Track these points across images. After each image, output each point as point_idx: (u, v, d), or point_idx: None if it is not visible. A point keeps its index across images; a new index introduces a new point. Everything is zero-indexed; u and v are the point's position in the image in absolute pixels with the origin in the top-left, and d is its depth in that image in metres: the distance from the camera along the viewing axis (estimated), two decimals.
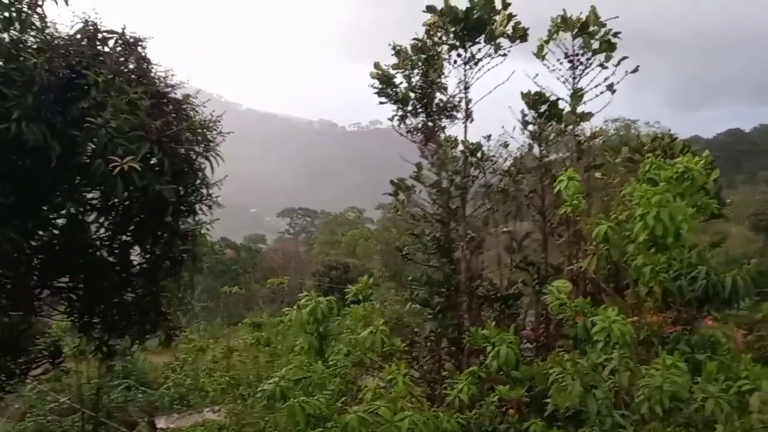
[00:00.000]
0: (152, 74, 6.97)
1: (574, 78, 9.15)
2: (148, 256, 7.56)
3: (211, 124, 7.04)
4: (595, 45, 8.86)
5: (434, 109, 9.69)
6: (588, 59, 8.98)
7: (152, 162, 6.60)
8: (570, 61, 9.08)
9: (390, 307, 12.24)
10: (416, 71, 9.41)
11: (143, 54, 7.02)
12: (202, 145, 6.98)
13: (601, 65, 8.92)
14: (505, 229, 10.54)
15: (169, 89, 7.00)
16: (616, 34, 8.78)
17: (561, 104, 9.29)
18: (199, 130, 6.89)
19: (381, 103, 9.68)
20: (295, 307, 8.72)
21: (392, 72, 9.52)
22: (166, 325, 7.74)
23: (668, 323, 8.60)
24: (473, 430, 6.99)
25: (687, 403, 5.24)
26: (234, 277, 67.54)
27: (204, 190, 7.37)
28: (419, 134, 10.01)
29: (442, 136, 9.91)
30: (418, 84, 9.52)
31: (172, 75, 6.95)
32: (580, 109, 9.11)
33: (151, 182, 6.31)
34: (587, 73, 9.05)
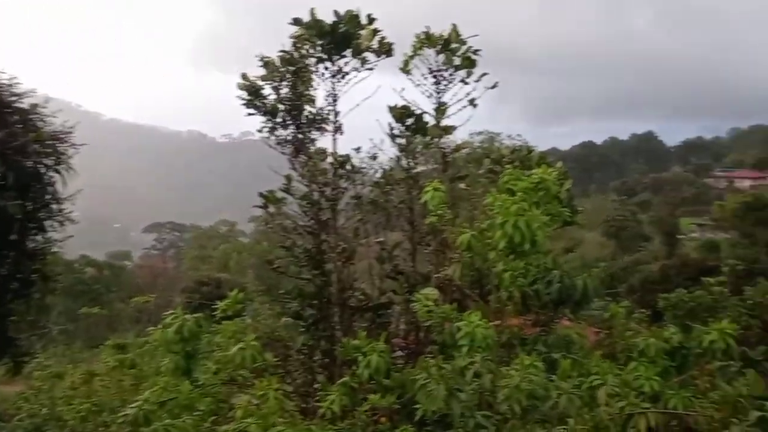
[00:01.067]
0: None
1: (438, 92, 9.50)
2: None
3: (62, 136, 6.59)
4: (457, 61, 9.25)
5: (304, 122, 9.70)
6: (451, 75, 9.35)
7: None
8: (434, 77, 9.41)
9: (264, 321, 12.04)
10: (285, 83, 9.37)
11: None
12: (53, 158, 6.52)
13: (462, 81, 9.32)
14: (377, 240, 10.71)
15: (15, 98, 6.48)
16: (476, 52, 9.22)
17: (426, 117, 9.60)
18: (49, 142, 6.43)
19: (249, 114, 9.55)
20: (160, 326, 8.39)
21: (260, 83, 9.42)
22: (13, 351, 7.13)
23: (528, 325, 9.11)
24: None
25: (544, 400, 5.57)
26: (96, 297, 63.55)
27: (55, 206, 6.87)
28: (289, 146, 9.97)
29: (312, 148, 9.92)
30: (287, 96, 9.49)
31: (17, 83, 6.44)
32: (444, 123, 9.46)
33: None
34: (450, 87, 9.43)
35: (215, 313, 8.66)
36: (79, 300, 59.73)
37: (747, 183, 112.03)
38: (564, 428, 5.04)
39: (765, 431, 6.04)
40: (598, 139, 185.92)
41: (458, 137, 10.34)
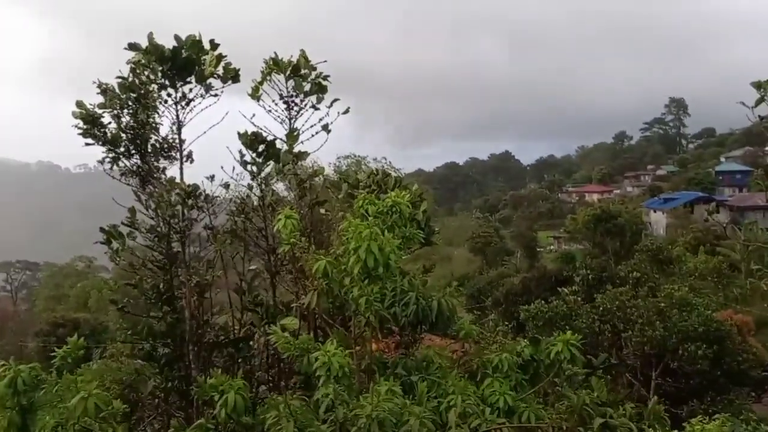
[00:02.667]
0: None
1: (290, 118, 9.38)
2: None
3: None
4: (308, 87, 9.19)
5: (149, 150, 9.20)
6: (302, 101, 9.27)
7: None
8: (285, 102, 9.29)
9: (118, 365, 11.25)
10: (125, 111, 8.86)
11: None
12: None
13: (313, 106, 9.27)
14: (235, 271, 10.35)
15: None
16: (326, 77, 9.20)
17: (279, 144, 9.44)
18: None
19: (87, 144, 8.92)
20: None
21: (98, 111, 8.83)
22: None
23: (392, 348, 9.12)
24: None
25: (399, 426, 5.53)
26: None
27: None
28: (135, 177, 9.43)
29: (162, 178, 9.44)
30: (129, 124, 8.97)
31: None
32: (297, 149, 9.34)
33: None
34: (302, 113, 9.34)
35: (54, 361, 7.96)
36: None
37: (595, 196, 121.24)
38: None
39: None
40: (460, 160, 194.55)
41: (325, 162, 10.28)
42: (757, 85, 5.33)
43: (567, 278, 42.39)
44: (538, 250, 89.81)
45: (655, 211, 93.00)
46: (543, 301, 31.14)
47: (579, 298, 31.25)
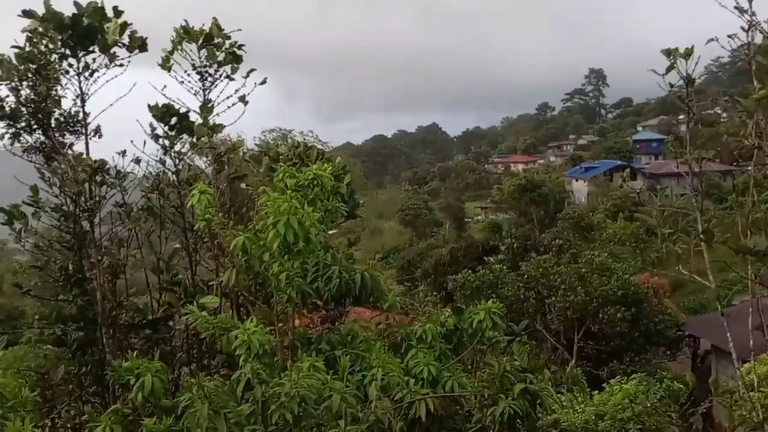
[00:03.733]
0: None
1: (204, 90, 8.99)
2: None
3: None
4: (221, 57, 8.82)
5: (53, 125, 8.64)
6: (216, 71, 8.90)
7: None
8: (198, 73, 8.89)
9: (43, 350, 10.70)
10: (25, 83, 8.26)
11: None
12: None
13: (228, 77, 8.91)
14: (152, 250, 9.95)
15: None
16: (240, 46, 8.85)
17: (193, 116, 9.05)
18: None
19: None
20: None
21: None
22: None
23: (317, 324, 9.01)
24: None
25: (319, 403, 5.44)
26: None
27: None
28: (38, 153, 8.85)
29: (69, 154, 8.89)
30: (30, 97, 8.38)
31: None
32: (213, 121, 8.99)
33: None
34: (216, 84, 8.97)
35: None
36: None
37: (520, 167, 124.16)
38: (336, 431, 4.93)
39: (529, 402, 6.49)
40: (388, 133, 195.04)
41: (249, 136, 9.94)
42: (667, 53, 5.40)
43: (494, 247, 43.41)
44: (466, 220, 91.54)
45: (576, 180, 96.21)
46: (470, 271, 31.79)
47: (505, 267, 32.08)
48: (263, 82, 9.19)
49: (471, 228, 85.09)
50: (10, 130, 8.68)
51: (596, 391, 14.28)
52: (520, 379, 6.59)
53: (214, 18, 8.61)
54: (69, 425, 8.41)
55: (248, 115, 9.74)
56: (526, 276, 30.08)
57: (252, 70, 9.12)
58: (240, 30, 8.74)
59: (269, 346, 6.54)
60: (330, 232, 8.42)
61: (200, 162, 10.26)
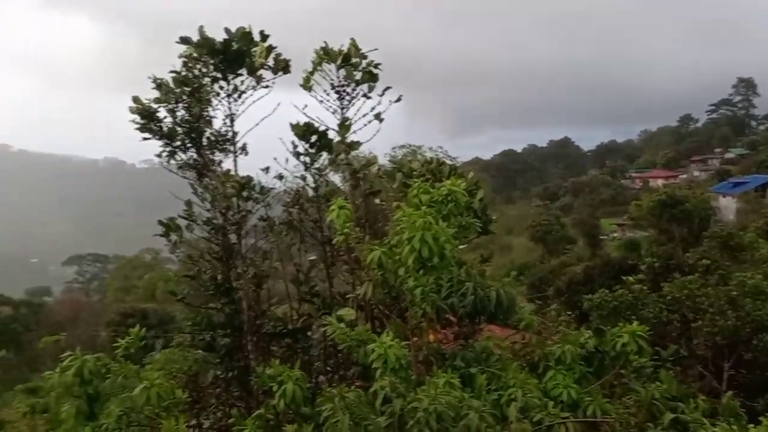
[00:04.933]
0: None
1: (342, 108, 9.28)
2: None
3: None
4: (358, 76, 9.07)
5: (204, 144, 9.28)
6: (353, 90, 9.16)
7: None
8: (337, 92, 9.19)
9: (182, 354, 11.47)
10: (180, 105, 8.95)
11: None
12: None
13: (365, 95, 9.14)
14: (292, 262, 10.37)
15: None
16: (376, 65, 9.06)
17: (331, 134, 9.37)
18: None
19: (145, 139, 9.07)
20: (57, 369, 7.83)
21: (154, 106, 8.96)
22: None
23: (450, 340, 8.94)
24: None
25: (457, 420, 5.37)
26: (14, 337, 60.54)
27: None
28: (191, 170, 9.53)
29: (218, 170, 9.51)
30: (184, 118, 9.06)
31: None
32: (350, 138, 9.25)
33: None
34: (354, 103, 9.23)
35: (117, 351, 8.13)
36: None
37: (660, 182, 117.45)
38: None
39: None
40: (518, 147, 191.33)
41: (379, 152, 10.18)
42: None
43: (632, 266, 41.22)
44: (601, 237, 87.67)
45: (724, 196, 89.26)
46: (607, 290, 30.31)
47: (645, 287, 30.23)
48: (398, 100, 9.34)
49: (606, 245, 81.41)
50: (167, 149, 9.41)
51: (752, 425, 13.08)
52: (670, 407, 6.16)
53: (351, 39, 8.88)
54: (216, 427, 8.89)
55: (379, 131, 9.93)
56: (669, 297, 28.21)
57: (387, 88, 9.31)
58: (376, 49, 8.95)
59: (405, 360, 6.56)
60: (460, 248, 8.35)
61: (335, 178, 10.60)
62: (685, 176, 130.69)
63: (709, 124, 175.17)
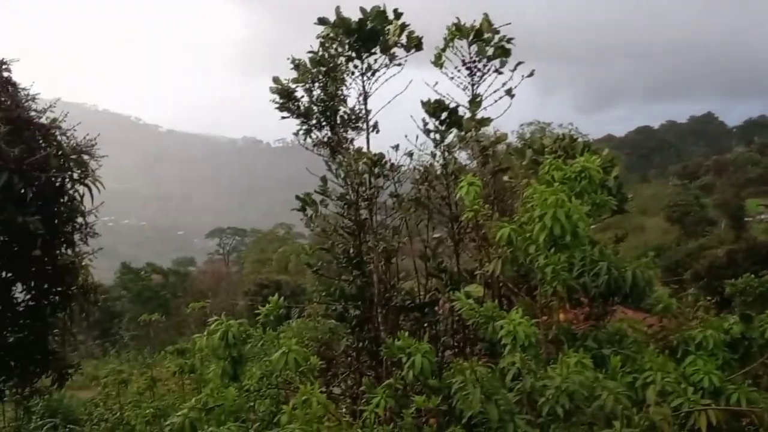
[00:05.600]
0: (17, 98, 6.50)
1: (472, 84, 9.23)
2: (32, 292, 7.04)
3: (86, 149, 6.62)
4: (490, 51, 8.97)
5: (338, 122, 9.59)
6: (484, 66, 9.08)
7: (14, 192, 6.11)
8: (468, 68, 9.15)
9: (314, 324, 12.04)
10: (316, 84, 9.29)
11: (7, 77, 6.55)
12: (77, 171, 6.56)
13: (497, 71, 9.04)
14: (420, 238, 10.52)
15: (35, 114, 6.54)
16: (509, 40, 8.92)
17: (461, 111, 9.36)
18: (73, 156, 6.46)
19: (283, 117, 9.52)
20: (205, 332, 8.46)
21: (292, 86, 9.37)
22: (57, 364, 7.24)
23: (581, 320, 8.76)
24: None
25: (590, 401, 5.29)
26: (163, 303, 65.73)
27: (81, 219, 6.91)
28: (325, 147, 9.89)
29: (351, 148, 9.80)
30: (320, 97, 9.40)
31: (35, 98, 6.47)
32: (480, 115, 9.20)
33: (12, 214, 5.84)
34: (485, 79, 9.16)
35: (258, 318, 8.66)
36: (147, 306, 61.86)
37: None
38: (610, 431, 4.75)
39: None
40: (655, 123, 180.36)
41: (507, 129, 10.05)
42: None
43: None
44: (746, 219, 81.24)
45: None
46: (753, 275, 28.18)
47: None
48: (531, 75, 9.16)
49: (753, 228, 75.41)
50: (304, 127, 9.82)
51: None
52: None
53: (484, 14, 8.80)
54: (347, 393, 9.28)
55: (498, 108, 9.77)
56: None
57: (519, 63, 9.15)
58: (509, 24, 8.82)
59: (534, 338, 6.52)
60: (593, 227, 8.11)
61: (464, 155, 10.58)
62: None
63: None
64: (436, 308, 10.02)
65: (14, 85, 6.56)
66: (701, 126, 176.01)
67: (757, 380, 7.21)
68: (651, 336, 7.82)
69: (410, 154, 9.59)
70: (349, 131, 9.75)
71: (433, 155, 9.69)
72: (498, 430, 5.51)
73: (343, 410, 9.20)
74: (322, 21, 8.93)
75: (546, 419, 5.39)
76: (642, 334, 7.66)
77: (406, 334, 7.56)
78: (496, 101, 9.18)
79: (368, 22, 8.85)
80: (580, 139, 11.29)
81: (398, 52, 9.16)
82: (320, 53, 9.15)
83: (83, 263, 7.27)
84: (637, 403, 5.53)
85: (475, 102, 9.02)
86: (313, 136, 9.84)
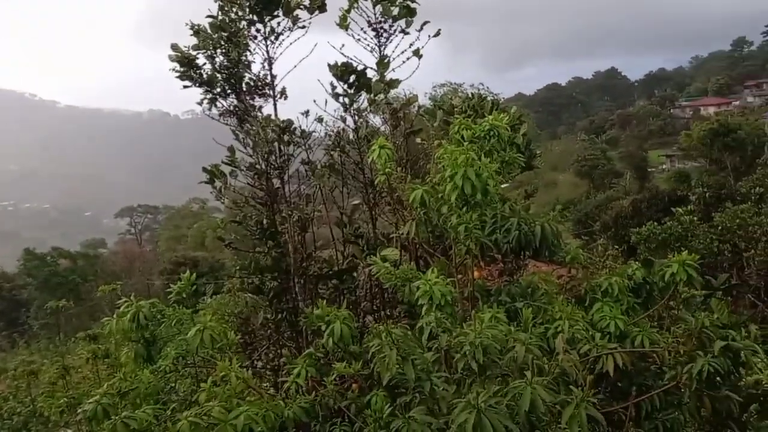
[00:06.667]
0: None
1: (379, 46, 9.12)
2: None
3: None
4: (395, 11, 8.86)
5: (244, 89, 9.28)
6: (390, 26, 8.98)
7: None
8: (374, 30, 9.03)
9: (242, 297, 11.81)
10: (218, 50, 8.93)
11: None
12: None
13: (403, 31, 8.96)
14: (336, 205, 10.43)
15: None
16: (413, 0, 8.84)
17: (370, 73, 9.25)
18: None
19: (185, 87, 9.11)
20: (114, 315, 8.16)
21: (193, 53, 8.96)
22: None
23: (495, 276, 8.97)
24: (319, 411, 6.84)
25: (503, 354, 5.43)
26: (73, 288, 63.15)
27: None
28: (232, 116, 9.57)
29: (259, 116, 9.52)
30: (223, 64, 9.05)
31: None
32: (388, 77, 9.12)
33: None
34: (392, 40, 9.06)
35: (171, 296, 8.40)
36: (56, 293, 59.26)
37: (712, 110, 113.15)
38: (522, 381, 4.89)
39: (731, 360, 5.98)
40: (563, 81, 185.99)
41: (419, 91, 10.02)
42: None
43: (681, 198, 40.37)
44: (649, 170, 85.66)
45: None
46: (656, 223, 29.82)
47: (695, 218, 29.60)
48: (437, 34, 9.12)
49: (655, 178, 79.61)
50: (208, 96, 9.44)
51: None
52: (720, 335, 6.07)
53: None
54: (268, 366, 9.19)
55: (418, 69, 9.77)
56: (720, 227, 27.64)
57: (426, 23, 9.09)
58: None
59: (450, 297, 6.61)
60: (503, 186, 8.27)
61: (376, 119, 10.51)
62: (738, 103, 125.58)
63: (765, 46, 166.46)
64: (355, 274, 10.01)
65: None
66: (606, 81, 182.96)
67: (660, 322, 7.61)
68: (561, 287, 8.09)
69: (320, 120, 9.43)
70: (256, 98, 9.45)
71: (344, 120, 9.57)
72: (416, 390, 5.57)
73: (266, 384, 9.11)
74: None
75: (462, 375, 5.49)
76: (553, 285, 7.92)
77: (325, 302, 7.51)
78: (404, 62, 9.12)
79: None
80: (490, 98, 11.44)
81: (302, 14, 8.91)
82: (220, 17, 8.77)
83: None
84: (549, 353, 5.72)
85: (382, 63, 8.93)
86: (219, 105, 9.49)
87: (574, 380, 5.40)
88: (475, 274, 8.13)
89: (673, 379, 6.23)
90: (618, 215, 43.30)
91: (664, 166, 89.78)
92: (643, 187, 67.35)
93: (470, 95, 11.03)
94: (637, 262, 7.72)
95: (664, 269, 7.00)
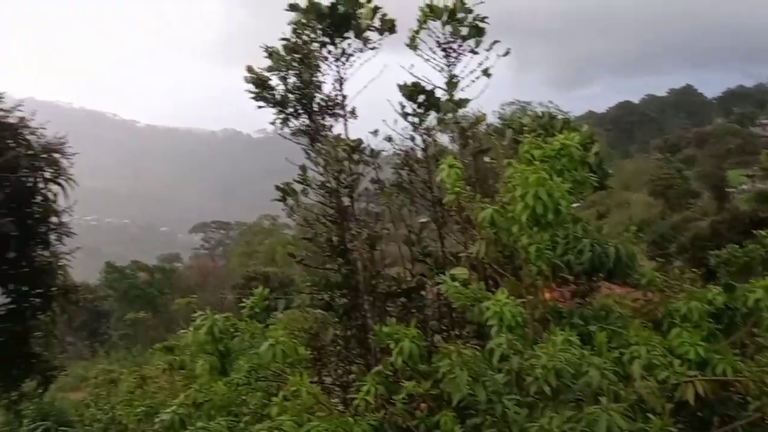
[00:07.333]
0: None
1: (448, 66, 9.16)
2: (11, 296, 6.92)
3: (56, 147, 6.48)
4: (465, 31, 8.89)
5: (315, 109, 9.49)
6: (459, 46, 9.01)
7: None
8: (443, 50, 9.08)
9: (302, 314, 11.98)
10: (291, 72, 9.18)
11: None
12: (49, 170, 6.43)
13: (472, 51, 8.97)
14: (404, 223, 10.47)
15: (2, 113, 6.37)
16: (483, 19, 8.85)
17: (439, 93, 9.29)
18: (43, 155, 6.33)
19: (259, 107, 9.41)
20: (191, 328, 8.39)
21: (267, 74, 9.24)
22: (39, 367, 7.14)
23: (567, 298, 8.77)
24: (387, 429, 6.83)
25: (577, 378, 5.29)
26: (150, 300, 65.31)
27: (55, 219, 6.79)
28: (304, 136, 9.79)
29: (329, 135, 9.71)
30: (295, 84, 9.29)
31: (2, 96, 6.31)
32: (457, 96, 9.14)
33: None
34: (460, 60, 9.09)
35: (243, 310, 8.60)
36: (134, 305, 61.62)
37: None
38: (598, 407, 4.75)
39: None
40: (635, 98, 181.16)
41: (487, 110, 10.00)
42: None
43: (764, 219, 38.47)
44: (728, 190, 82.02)
45: None
46: (737, 246, 28.49)
47: None
48: (506, 54, 9.11)
49: (735, 198, 76.20)
50: (281, 116, 9.71)
51: None
52: None
53: None
54: (337, 382, 9.25)
55: (475, 88, 9.70)
56: None
57: (495, 42, 9.09)
58: (482, 2, 8.73)
59: (520, 318, 6.50)
60: (575, 205, 8.12)
61: (444, 138, 10.53)
62: None
63: None
64: (423, 293, 10.00)
65: None
66: (681, 98, 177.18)
67: (742, 349, 7.25)
68: (636, 310, 7.84)
69: (389, 139, 9.52)
70: (327, 118, 9.65)
71: (413, 139, 9.63)
72: (487, 412, 5.50)
73: (335, 400, 9.17)
74: (293, 7, 8.82)
75: (534, 398, 5.39)
76: (627, 309, 7.68)
77: (394, 320, 7.53)
78: (473, 81, 9.12)
79: (340, 6, 8.75)
80: (560, 117, 11.30)
81: (372, 35, 9.07)
82: (293, 40, 9.03)
83: (60, 263, 7.13)
84: (624, 378, 5.54)
85: (451, 83, 8.96)
86: (291, 124, 9.73)
87: (652, 408, 5.21)
88: (546, 295, 7.99)
89: (758, 410, 5.93)
90: (695, 237, 41.70)
91: (744, 187, 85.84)
92: (722, 207, 64.55)
93: (540, 114, 10.92)
94: (717, 287, 7.41)
95: (748, 294, 6.70)
